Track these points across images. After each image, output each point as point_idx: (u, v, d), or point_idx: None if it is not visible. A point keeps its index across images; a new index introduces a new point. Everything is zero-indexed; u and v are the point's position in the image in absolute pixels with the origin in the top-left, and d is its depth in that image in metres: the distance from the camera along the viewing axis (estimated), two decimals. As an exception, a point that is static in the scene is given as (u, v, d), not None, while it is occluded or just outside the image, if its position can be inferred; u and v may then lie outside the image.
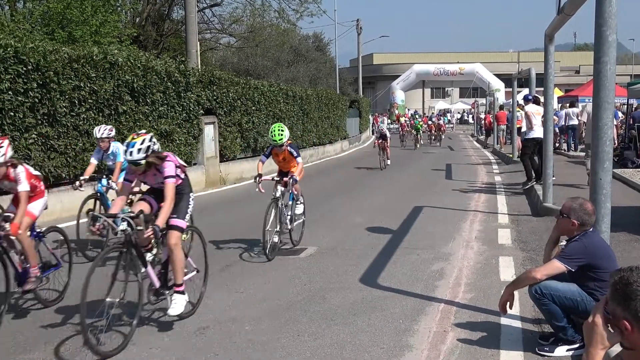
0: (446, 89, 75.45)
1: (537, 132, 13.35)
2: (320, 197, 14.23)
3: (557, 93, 33.73)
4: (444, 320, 5.54)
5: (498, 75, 64.25)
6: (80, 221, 8.07)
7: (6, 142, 5.45)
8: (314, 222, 10.76)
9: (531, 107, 13.89)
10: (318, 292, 6.52)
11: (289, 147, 8.31)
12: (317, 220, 10.95)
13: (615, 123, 21.43)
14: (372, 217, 11.19)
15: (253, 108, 19.83)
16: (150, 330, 5.38)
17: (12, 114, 9.88)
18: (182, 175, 5.62)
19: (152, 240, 5.39)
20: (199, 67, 17.73)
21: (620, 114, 22.23)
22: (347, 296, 6.34)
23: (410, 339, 5.12)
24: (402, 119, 26.70)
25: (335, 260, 7.93)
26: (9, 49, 9.85)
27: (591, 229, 4.79)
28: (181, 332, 5.32)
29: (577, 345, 4.68)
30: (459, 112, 68.94)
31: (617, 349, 2.57)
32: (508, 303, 4.79)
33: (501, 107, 30.83)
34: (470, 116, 58.75)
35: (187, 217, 5.57)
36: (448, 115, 66.33)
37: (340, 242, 9.01)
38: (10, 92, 9.84)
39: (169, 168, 5.32)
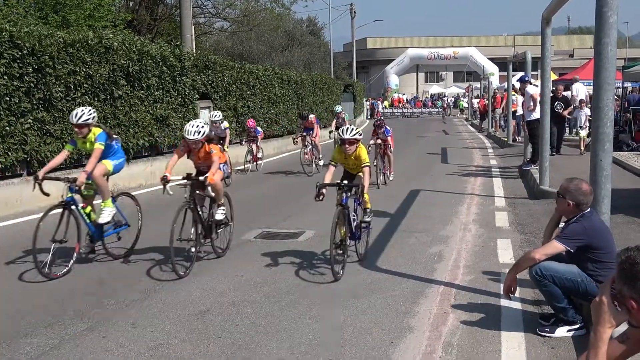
0: (440, 73, 75.24)
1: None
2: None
3: (552, 77, 33.66)
4: (444, 302, 5.57)
5: (492, 59, 64.17)
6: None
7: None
8: (311, 206, 10.75)
9: (533, 89, 13.89)
10: (317, 275, 6.54)
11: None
12: (315, 204, 10.91)
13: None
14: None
15: (248, 92, 19.76)
16: (152, 313, 5.39)
17: (7, 98, 9.82)
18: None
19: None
20: (194, 51, 17.63)
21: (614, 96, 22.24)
22: (346, 279, 6.35)
23: (411, 320, 5.14)
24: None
25: (334, 243, 7.91)
26: (3, 33, 9.77)
27: (589, 210, 4.80)
28: (183, 316, 5.32)
29: (577, 326, 4.71)
30: (453, 97, 68.60)
31: (623, 327, 2.59)
32: (512, 288, 4.82)
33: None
34: (465, 100, 58.25)
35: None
36: (445, 98, 63.95)
37: (339, 226, 8.98)
38: (5, 77, 9.77)
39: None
